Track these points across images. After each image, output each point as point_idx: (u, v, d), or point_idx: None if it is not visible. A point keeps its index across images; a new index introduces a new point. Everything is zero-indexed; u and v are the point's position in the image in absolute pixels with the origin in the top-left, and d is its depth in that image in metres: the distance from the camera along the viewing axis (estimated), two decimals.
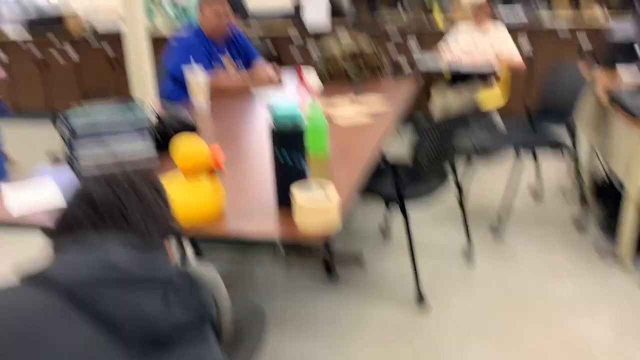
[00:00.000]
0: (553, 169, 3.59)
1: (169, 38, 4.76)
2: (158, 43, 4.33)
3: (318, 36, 4.67)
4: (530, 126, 3.01)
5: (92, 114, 1.57)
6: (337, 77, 2.92)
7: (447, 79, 4.00)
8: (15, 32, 5.39)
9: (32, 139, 4.98)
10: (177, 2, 5.29)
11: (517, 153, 2.75)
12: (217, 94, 2.67)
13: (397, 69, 3.08)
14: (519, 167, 2.79)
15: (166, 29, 5.02)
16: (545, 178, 3.45)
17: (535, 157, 3.14)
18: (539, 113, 3.00)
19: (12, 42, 5.31)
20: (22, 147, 4.66)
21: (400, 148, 3.97)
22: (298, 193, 1.23)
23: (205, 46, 2.87)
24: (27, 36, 5.27)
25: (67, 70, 5.26)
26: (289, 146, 1.30)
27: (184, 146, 1.28)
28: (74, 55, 5.20)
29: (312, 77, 1.87)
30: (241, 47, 3.07)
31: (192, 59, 2.69)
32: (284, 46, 4.75)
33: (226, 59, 2.97)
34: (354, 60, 2.94)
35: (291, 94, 2.64)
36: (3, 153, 3.80)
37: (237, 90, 2.78)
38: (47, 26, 5.22)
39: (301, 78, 2.12)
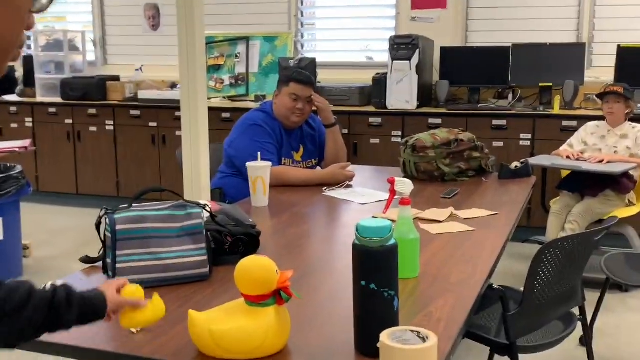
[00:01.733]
0: None
1: (234, 120, 5.06)
2: (214, 122, 4.58)
3: (402, 117, 4.80)
4: None
5: (140, 215, 1.64)
6: (429, 174, 2.96)
7: (565, 176, 3.95)
8: (46, 94, 5.84)
9: (53, 224, 5.23)
10: (239, 76, 5.62)
11: None
12: (281, 188, 2.76)
13: (504, 168, 3.08)
14: None
15: (224, 107, 5.31)
16: None
17: None
18: None
19: (41, 106, 5.75)
20: (42, 234, 4.89)
21: (507, 269, 3.87)
22: (388, 339, 1.21)
23: (276, 133, 3.00)
24: (58, 100, 5.70)
25: (102, 143, 5.60)
26: (378, 272, 1.29)
27: (250, 271, 1.30)
28: (111, 127, 5.55)
29: (402, 182, 1.90)
30: (319, 141, 3.20)
31: (258, 146, 2.80)
32: (360, 125, 4.90)
33: (298, 153, 3.09)
34: (450, 154, 2.97)
35: (366, 195, 2.70)
36: (20, 244, 3.99)
37: (304, 185, 2.86)
38: (83, 90, 5.62)
39: (393, 191, 2.15)
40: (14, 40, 0.83)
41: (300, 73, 3.15)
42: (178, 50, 2.70)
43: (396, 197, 2.12)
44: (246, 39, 5.64)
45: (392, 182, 2.12)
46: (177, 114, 4.92)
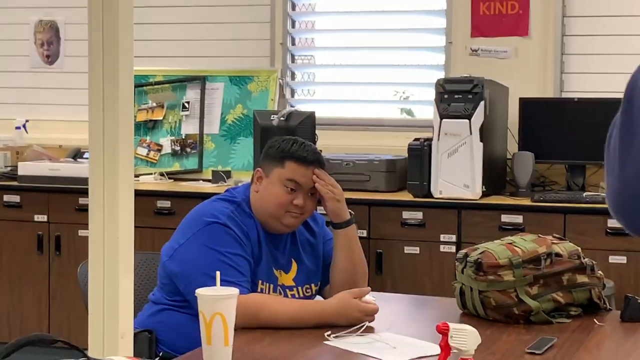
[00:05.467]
0: None
1: (179, 212, 5.05)
2: (145, 216, 4.57)
3: (457, 211, 4.85)
4: None
5: None
6: (504, 311, 2.95)
7: None
8: None
9: None
10: (187, 141, 5.65)
11: None
12: (256, 332, 2.74)
13: (630, 303, 3.05)
14: None
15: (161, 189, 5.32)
16: None
17: None
18: None
19: None
20: None
21: None
22: None
23: (252, 239, 3.03)
24: None
25: None
26: None
27: None
28: None
29: (462, 331, 1.88)
30: (322, 253, 3.24)
31: (219, 261, 2.82)
32: (388, 225, 4.94)
33: (287, 274, 3.12)
34: (540, 278, 2.97)
35: (399, 346, 2.65)
36: None
37: (294, 327, 2.84)
38: None
39: (446, 347, 2.13)
40: None
41: (305, 147, 3.13)
42: (88, 97, 2.70)
43: (452, 352, 2.09)
44: (201, 80, 5.71)
45: (444, 331, 2.09)
46: (81, 201, 4.93)
